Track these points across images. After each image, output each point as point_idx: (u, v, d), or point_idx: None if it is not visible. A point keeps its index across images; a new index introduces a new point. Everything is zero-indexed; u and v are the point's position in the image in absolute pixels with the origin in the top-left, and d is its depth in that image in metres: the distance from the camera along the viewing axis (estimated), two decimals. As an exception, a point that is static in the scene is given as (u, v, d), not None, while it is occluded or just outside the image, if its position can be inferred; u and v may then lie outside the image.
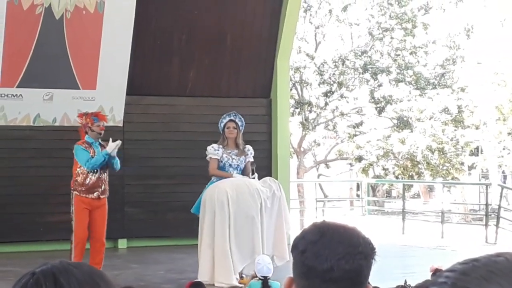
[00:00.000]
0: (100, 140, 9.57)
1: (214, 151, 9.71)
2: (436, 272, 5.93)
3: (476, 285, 1.15)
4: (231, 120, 9.82)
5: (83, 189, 9.43)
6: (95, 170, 9.42)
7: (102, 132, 9.56)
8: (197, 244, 9.69)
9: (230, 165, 9.72)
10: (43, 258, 10.45)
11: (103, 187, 9.53)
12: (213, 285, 9.09)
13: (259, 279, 6.90)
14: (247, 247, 9.33)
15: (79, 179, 9.46)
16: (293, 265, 1.96)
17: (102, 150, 9.46)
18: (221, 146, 9.75)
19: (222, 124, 9.83)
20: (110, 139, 9.48)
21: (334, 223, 1.98)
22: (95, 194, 9.46)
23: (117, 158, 9.53)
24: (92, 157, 9.36)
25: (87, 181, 9.42)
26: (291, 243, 2.05)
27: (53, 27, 11.68)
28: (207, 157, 9.76)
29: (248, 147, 9.91)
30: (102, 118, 9.71)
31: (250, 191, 9.39)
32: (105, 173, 9.57)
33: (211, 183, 9.63)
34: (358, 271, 1.89)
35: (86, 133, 9.55)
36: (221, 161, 9.71)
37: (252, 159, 9.89)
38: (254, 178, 9.68)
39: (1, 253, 12.04)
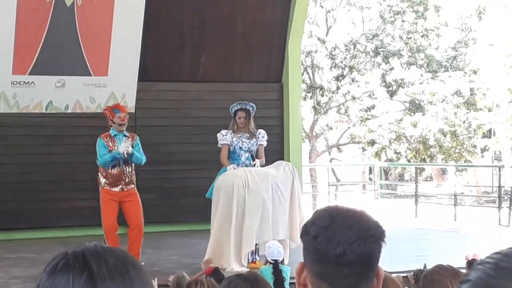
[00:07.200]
0: (125, 132, 9.62)
1: (222, 137, 9.71)
2: (472, 262, 5.90)
3: None
4: (241, 109, 9.77)
5: (107, 182, 9.57)
6: (116, 165, 9.50)
7: (124, 123, 9.60)
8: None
9: (241, 148, 9.69)
10: (56, 244, 10.53)
11: (127, 179, 9.61)
12: (224, 269, 9.09)
13: (270, 263, 6.88)
14: (257, 231, 9.31)
15: (102, 172, 9.60)
16: (304, 250, 1.97)
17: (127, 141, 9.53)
18: (230, 131, 9.74)
19: (233, 110, 9.81)
20: (124, 139, 9.51)
21: (343, 207, 2.00)
22: (119, 187, 9.59)
23: (136, 154, 9.54)
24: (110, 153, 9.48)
25: (109, 175, 9.54)
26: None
27: (64, 14, 11.68)
28: (218, 144, 9.77)
29: (260, 130, 9.86)
30: (122, 109, 9.77)
31: (262, 176, 9.38)
32: (129, 167, 9.64)
33: (224, 169, 9.63)
34: (370, 254, 1.92)
35: (111, 126, 9.64)
36: (231, 145, 9.69)
37: (264, 143, 9.85)
38: (255, 165, 9.65)
39: (15, 240, 12.09)
